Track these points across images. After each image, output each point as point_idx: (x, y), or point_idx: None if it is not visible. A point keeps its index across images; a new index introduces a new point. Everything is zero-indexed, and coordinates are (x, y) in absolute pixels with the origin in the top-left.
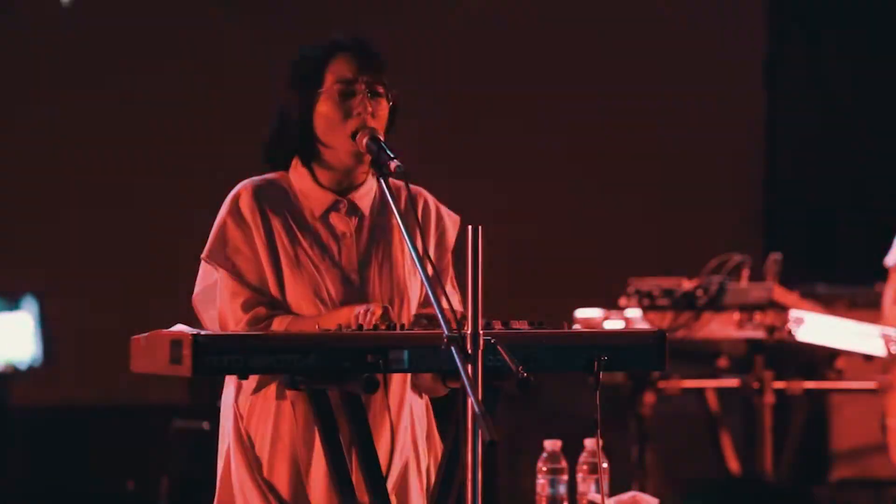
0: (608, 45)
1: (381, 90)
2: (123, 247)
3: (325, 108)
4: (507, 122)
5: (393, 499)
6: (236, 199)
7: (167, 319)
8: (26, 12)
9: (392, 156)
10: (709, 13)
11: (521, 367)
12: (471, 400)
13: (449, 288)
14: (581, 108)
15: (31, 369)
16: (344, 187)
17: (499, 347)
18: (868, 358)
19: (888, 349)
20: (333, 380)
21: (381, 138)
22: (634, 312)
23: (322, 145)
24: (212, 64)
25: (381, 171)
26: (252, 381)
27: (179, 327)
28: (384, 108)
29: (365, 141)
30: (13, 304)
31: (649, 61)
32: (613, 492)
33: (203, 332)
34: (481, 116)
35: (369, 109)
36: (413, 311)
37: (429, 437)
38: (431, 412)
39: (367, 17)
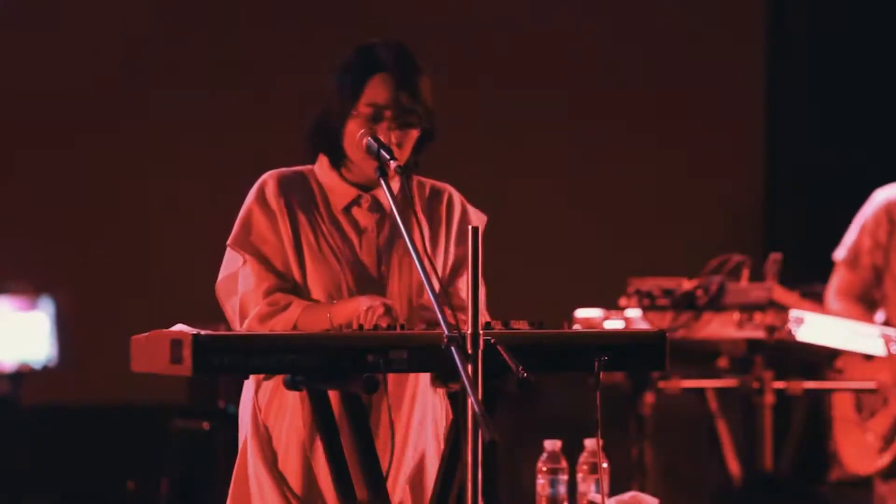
0: (608, 45)
1: (412, 119)
2: (139, 247)
3: (353, 127)
4: (506, 121)
5: (406, 495)
6: (262, 187)
7: (167, 320)
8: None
9: (391, 156)
10: (708, 13)
11: (521, 367)
12: (471, 400)
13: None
14: (581, 107)
15: (45, 369)
16: (367, 183)
17: (499, 347)
18: (868, 358)
19: (888, 349)
20: (333, 380)
21: (382, 139)
22: (634, 312)
23: (347, 159)
24: (216, 66)
25: (381, 171)
26: None
27: (179, 327)
28: (411, 137)
29: (365, 141)
30: (30, 304)
31: (649, 61)
32: (613, 492)
33: (203, 332)
34: (481, 116)
35: (393, 139)
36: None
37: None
38: (450, 406)
39: (374, 14)
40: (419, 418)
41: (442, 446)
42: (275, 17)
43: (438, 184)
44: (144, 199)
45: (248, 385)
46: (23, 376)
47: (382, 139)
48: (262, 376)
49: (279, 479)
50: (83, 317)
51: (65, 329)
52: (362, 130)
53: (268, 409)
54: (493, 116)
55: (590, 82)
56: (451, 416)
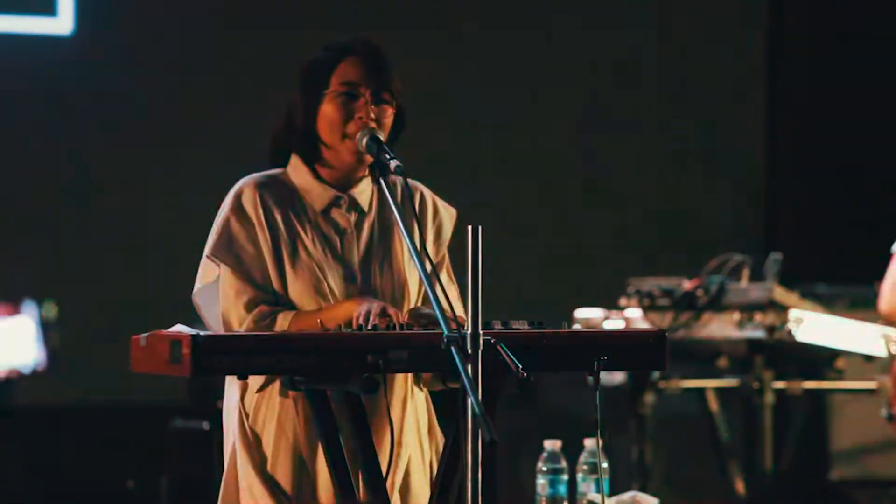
0: (608, 44)
1: (386, 97)
2: (123, 247)
3: (328, 110)
4: (507, 121)
5: (397, 497)
6: (239, 195)
7: (167, 320)
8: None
9: (391, 155)
10: (709, 13)
11: (521, 367)
12: (471, 400)
13: (445, 279)
14: (581, 107)
15: (34, 373)
16: (344, 183)
17: (499, 347)
18: (868, 358)
19: (888, 349)
20: (333, 380)
21: (381, 138)
22: (634, 312)
23: (324, 146)
24: (212, 65)
25: (380, 170)
26: (257, 379)
27: (179, 327)
28: (388, 114)
29: (365, 140)
30: (14, 308)
31: (649, 61)
32: (613, 492)
33: (202, 333)
34: (481, 116)
35: (371, 115)
36: (413, 304)
37: (430, 430)
38: (431, 405)
39: (368, 15)
40: (410, 421)
41: (425, 448)
42: (273, 25)
43: (410, 182)
44: (135, 197)
45: (232, 392)
46: (13, 382)
47: (362, 116)
48: (247, 381)
49: (270, 483)
50: (68, 320)
51: (50, 332)
52: (361, 130)
53: (255, 414)
54: (494, 116)
55: (590, 83)
56: (432, 416)
